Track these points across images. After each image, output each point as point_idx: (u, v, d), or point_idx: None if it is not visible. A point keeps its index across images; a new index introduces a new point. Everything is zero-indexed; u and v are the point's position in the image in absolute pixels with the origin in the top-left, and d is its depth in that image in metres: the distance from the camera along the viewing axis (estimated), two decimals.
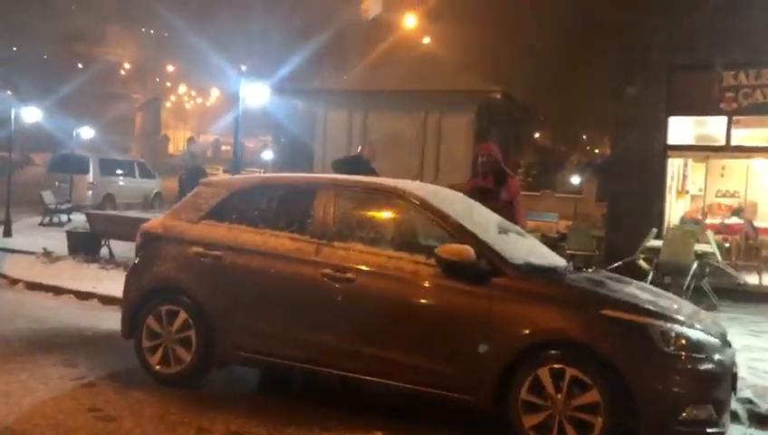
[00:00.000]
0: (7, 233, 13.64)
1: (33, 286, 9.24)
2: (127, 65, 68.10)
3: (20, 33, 55.38)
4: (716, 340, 4.40)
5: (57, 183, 21.18)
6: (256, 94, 10.92)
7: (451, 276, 4.51)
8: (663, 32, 11.30)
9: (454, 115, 16.10)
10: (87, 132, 25.01)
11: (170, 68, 69.66)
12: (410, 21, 29.24)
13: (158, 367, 5.29)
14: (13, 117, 14.82)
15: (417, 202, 4.90)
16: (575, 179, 32.52)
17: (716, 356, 4.26)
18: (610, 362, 4.09)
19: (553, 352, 4.25)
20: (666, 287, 9.91)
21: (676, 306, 4.69)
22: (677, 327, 4.23)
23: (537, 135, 44.01)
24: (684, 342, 4.17)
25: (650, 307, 4.39)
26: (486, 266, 4.50)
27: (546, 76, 33.29)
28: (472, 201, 5.58)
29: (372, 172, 8.02)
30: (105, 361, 5.75)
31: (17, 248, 11.92)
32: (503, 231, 5.12)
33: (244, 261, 5.13)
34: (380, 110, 16.44)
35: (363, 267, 4.74)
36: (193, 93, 73.68)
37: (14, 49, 57.18)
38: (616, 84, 12.19)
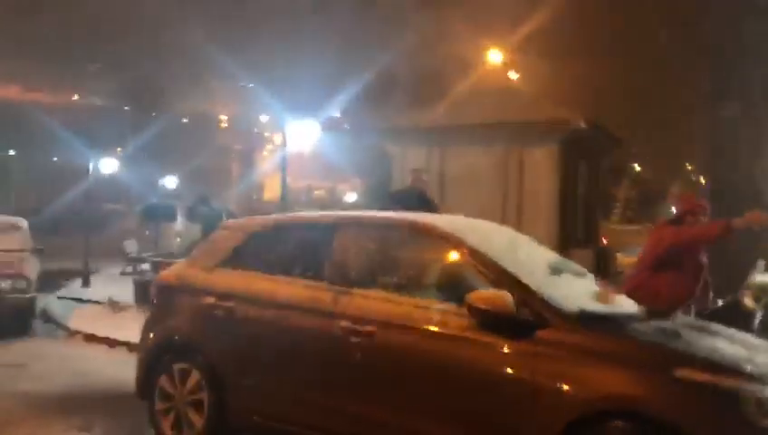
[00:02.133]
0: (86, 283, 13.77)
1: (90, 338, 9.03)
2: (224, 117, 70.92)
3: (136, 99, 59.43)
4: None
5: (147, 232, 21.75)
6: (305, 133, 10.41)
7: (486, 329, 3.73)
8: (760, 42, 10.12)
9: (536, 148, 15.13)
10: (170, 181, 25.60)
11: (264, 117, 71.92)
12: (494, 56, 28.49)
13: (169, 433, 4.74)
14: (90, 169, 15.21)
15: (446, 239, 4.15)
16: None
17: None
18: None
19: (615, 423, 3.37)
20: None
21: None
22: None
23: (638, 168, 41.97)
24: None
25: (741, 366, 3.42)
26: (529, 317, 3.69)
27: (643, 107, 31.64)
28: (519, 236, 4.77)
29: (428, 205, 7.27)
30: (122, 423, 5.35)
31: (89, 298, 11.93)
32: (555, 271, 4.28)
33: (256, 313, 4.53)
34: (459, 145, 15.71)
35: (385, 319, 4.02)
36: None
37: (126, 108, 61.07)
38: (712, 106, 11.05)
